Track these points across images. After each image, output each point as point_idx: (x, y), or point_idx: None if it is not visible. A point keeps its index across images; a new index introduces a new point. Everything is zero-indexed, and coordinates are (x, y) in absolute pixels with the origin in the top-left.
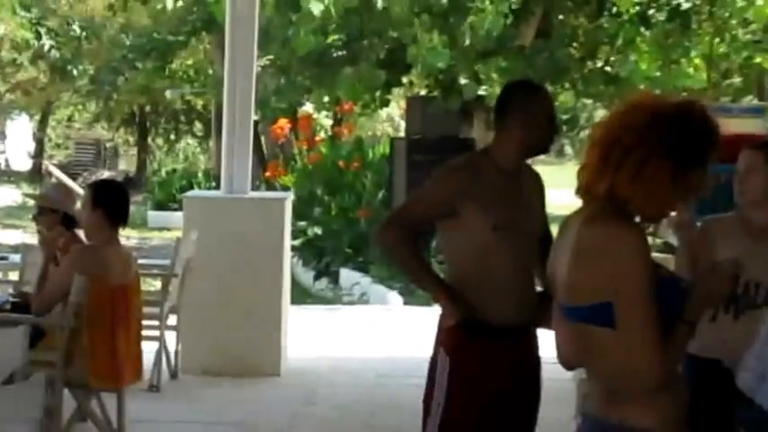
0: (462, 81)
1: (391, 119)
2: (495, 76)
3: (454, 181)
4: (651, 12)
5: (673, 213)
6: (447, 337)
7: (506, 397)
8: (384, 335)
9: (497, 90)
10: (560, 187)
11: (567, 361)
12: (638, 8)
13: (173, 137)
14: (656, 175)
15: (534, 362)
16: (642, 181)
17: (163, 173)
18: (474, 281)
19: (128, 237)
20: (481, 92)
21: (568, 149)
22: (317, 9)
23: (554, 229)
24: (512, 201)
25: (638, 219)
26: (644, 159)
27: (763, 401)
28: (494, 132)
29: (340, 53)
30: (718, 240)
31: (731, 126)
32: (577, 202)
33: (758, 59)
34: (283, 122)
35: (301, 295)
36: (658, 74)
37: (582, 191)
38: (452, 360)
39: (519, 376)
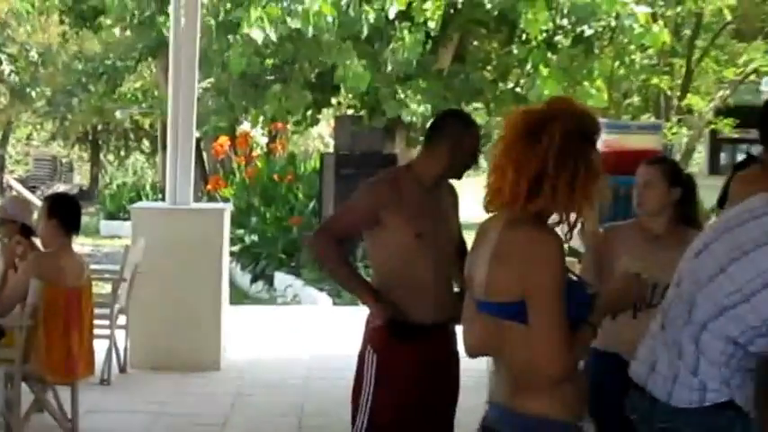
0: (384, 102)
1: (321, 136)
2: (414, 97)
3: (378, 193)
4: (557, 38)
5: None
6: (373, 336)
7: (429, 390)
8: (314, 333)
9: (417, 110)
10: (476, 196)
11: (471, 350)
12: (545, 35)
13: (123, 153)
14: (572, 185)
15: (453, 356)
16: (559, 195)
17: (114, 186)
18: (397, 284)
19: (81, 244)
20: (402, 112)
21: (483, 163)
22: (259, 37)
23: (471, 234)
24: (430, 212)
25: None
26: (556, 178)
27: (653, 390)
28: (421, 150)
29: (274, 76)
30: (619, 246)
31: (630, 142)
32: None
33: (655, 81)
34: (223, 140)
35: (239, 297)
36: (563, 94)
37: (495, 207)
38: (379, 357)
39: (440, 370)
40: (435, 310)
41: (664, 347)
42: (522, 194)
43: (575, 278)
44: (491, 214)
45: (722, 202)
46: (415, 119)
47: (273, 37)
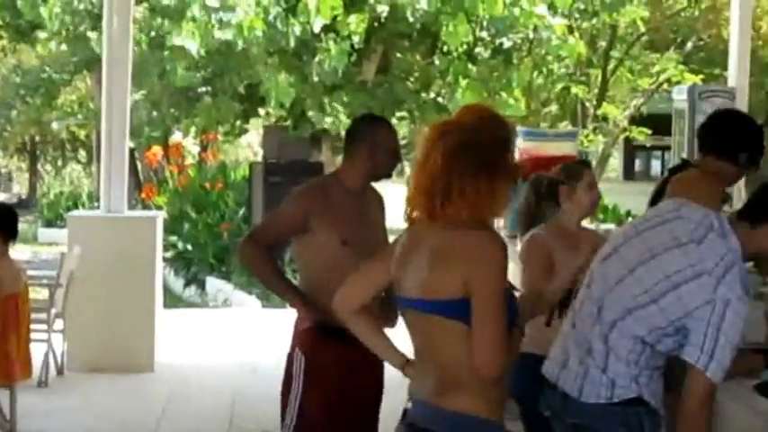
0: (311, 112)
1: (251, 145)
2: (340, 107)
3: (305, 201)
4: (477, 50)
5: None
6: (302, 338)
7: (355, 389)
8: (244, 335)
9: (343, 120)
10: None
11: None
12: (465, 47)
13: (60, 163)
14: (477, 194)
15: (377, 358)
16: (469, 205)
17: (51, 195)
18: (324, 288)
19: (20, 251)
20: (328, 122)
21: (408, 170)
22: (193, 48)
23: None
24: (358, 218)
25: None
26: (461, 189)
27: (564, 386)
28: (343, 157)
29: (204, 88)
30: (552, 251)
31: (547, 149)
32: None
33: (572, 90)
34: (156, 149)
35: (173, 301)
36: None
37: (416, 212)
38: (306, 358)
39: (365, 371)
40: None
41: (575, 346)
42: (433, 202)
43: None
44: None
45: (654, 203)
46: (340, 128)
47: (202, 51)
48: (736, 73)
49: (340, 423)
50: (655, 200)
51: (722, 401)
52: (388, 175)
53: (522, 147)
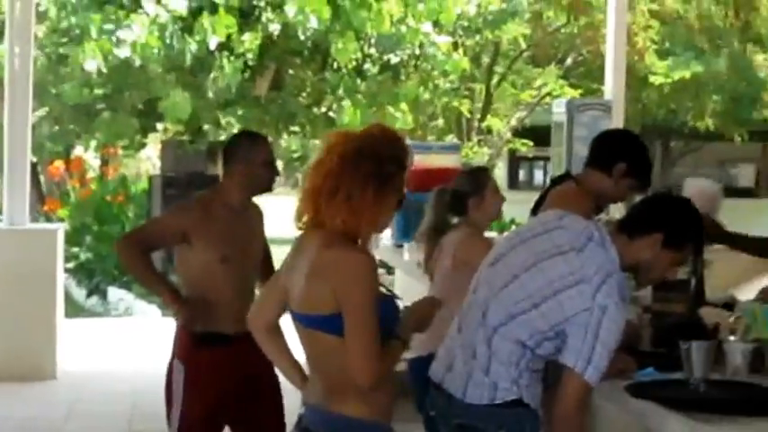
0: (207, 127)
1: (151, 159)
2: (234, 122)
3: (186, 214)
4: (366, 66)
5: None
6: (180, 346)
7: (240, 396)
8: (145, 342)
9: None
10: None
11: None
12: (354, 63)
13: None
14: (363, 202)
15: (263, 361)
16: (353, 211)
17: None
18: (202, 297)
19: None
20: (222, 136)
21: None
22: (92, 68)
23: (282, 248)
24: (239, 235)
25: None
26: (349, 193)
27: (449, 387)
28: (222, 175)
29: (104, 104)
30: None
31: (432, 161)
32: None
33: (456, 104)
34: (59, 163)
35: (75, 310)
36: (372, 119)
37: (306, 226)
38: (186, 366)
39: (250, 377)
40: (237, 321)
41: (460, 348)
42: (320, 201)
43: (386, 292)
44: (303, 230)
45: (535, 212)
46: None
47: (104, 68)
48: (613, 87)
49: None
50: (536, 208)
51: (596, 401)
52: (268, 189)
53: None
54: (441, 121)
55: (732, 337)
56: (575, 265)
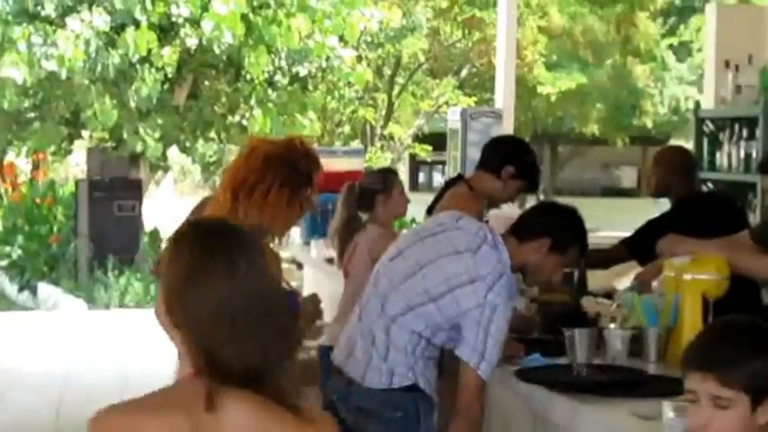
0: (129, 135)
1: (79, 164)
2: (154, 130)
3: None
4: (277, 77)
5: None
6: None
7: None
8: (72, 334)
9: (155, 142)
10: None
11: None
12: (266, 75)
13: None
14: (277, 201)
15: None
16: (267, 208)
17: None
18: None
19: None
20: (140, 144)
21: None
22: (18, 77)
23: None
24: None
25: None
26: (267, 191)
27: (350, 372)
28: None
29: (33, 114)
30: None
31: (337, 165)
32: None
33: (361, 112)
34: None
35: (7, 305)
36: (283, 126)
37: (227, 210)
38: None
39: None
40: None
41: (360, 336)
42: (238, 196)
43: (288, 289)
44: None
45: (431, 211)
46: (154, 150)
47: (29, 79)
48: (503, 96)
49: None
50: (432, 208)
51: (488, 386)
52: None
53: None
54: (347, 128)
55: (612, 325)
56: (469, 264)
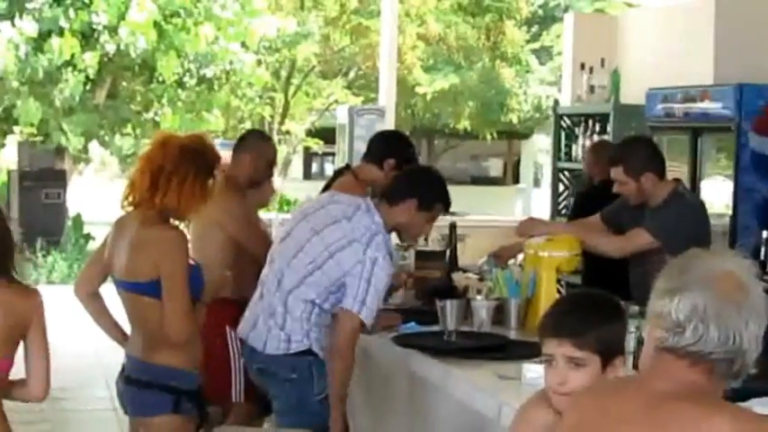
0: (54, 130)
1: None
2: (77, 126)
3: None
4: (185, 79)
5: None
6: (229, 317)
7: None
8: None
9: (77, 137)
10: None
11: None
12: (176, 76)
13: None
14: (191, 189)
15: None
16: (183, 195)
17: None
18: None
19: None
20: (64, 139)
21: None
22: None
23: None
24: None
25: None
26: (183, 179)
27: (252, 342)
28: None
29: None
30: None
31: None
32: None
33: (260, 110)
34: None
35: None
36: (191, 123)
37: (134, 204)
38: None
39: None
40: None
41: (261, 311)
42: (156, 187)
43: (193, 263)
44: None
45: None
46: (77, 143)
47: None
48: (386, 95)
49: None
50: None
51: (368, 351)
52: None
53: (223, 156)
54: (248, 124)
55: (478, 297)
56: (346, 229)
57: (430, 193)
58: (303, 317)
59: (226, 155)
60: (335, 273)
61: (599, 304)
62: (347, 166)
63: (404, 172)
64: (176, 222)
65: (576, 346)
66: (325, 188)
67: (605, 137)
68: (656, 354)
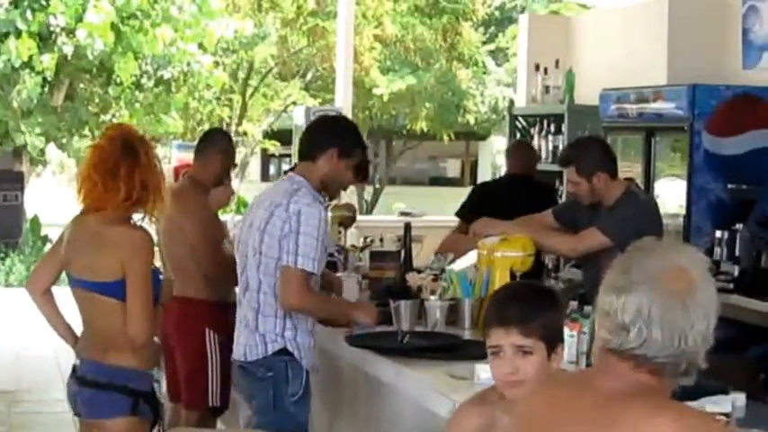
0: (11, 132)
1: None
2: (35, 128)
3: None
4: (143, 81)
5: None
6: (211, 318)
7: None
8: None
9: (35, 139)
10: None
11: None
12: (134, 78)
13: None
14: (139, 181)
15: None
16: (133, 188)
17: None
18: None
19: None
20: (21, 140)
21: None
22: None
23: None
24: None
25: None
26: (131, 171)
27: (236, 357)
28: None
29: None
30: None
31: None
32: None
33: (218, 111)
34: None
35: None
36: (149, 125)
37: (88, 201)
38: (218, 334)
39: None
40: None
41: (239, 324)
42: (104, 181)
43: (153, 266)
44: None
45: None
46: (35, 145)
47: None
48: (342, 96)
49: None
50: None
51: (325, 351)
52: None
53: (177, 156)
54: (206, 126)
55: (432, 297)
56: (267, 204)
57: (349, 139)
58: (275, 313)
59: (187, 157)
60: (273, 249)
61: (539, 293)
62: (296, 166)
63: (315, 124)
64: (140, 222)
65: (523, 333)
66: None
67: (560, 137)
68: (601, 354)
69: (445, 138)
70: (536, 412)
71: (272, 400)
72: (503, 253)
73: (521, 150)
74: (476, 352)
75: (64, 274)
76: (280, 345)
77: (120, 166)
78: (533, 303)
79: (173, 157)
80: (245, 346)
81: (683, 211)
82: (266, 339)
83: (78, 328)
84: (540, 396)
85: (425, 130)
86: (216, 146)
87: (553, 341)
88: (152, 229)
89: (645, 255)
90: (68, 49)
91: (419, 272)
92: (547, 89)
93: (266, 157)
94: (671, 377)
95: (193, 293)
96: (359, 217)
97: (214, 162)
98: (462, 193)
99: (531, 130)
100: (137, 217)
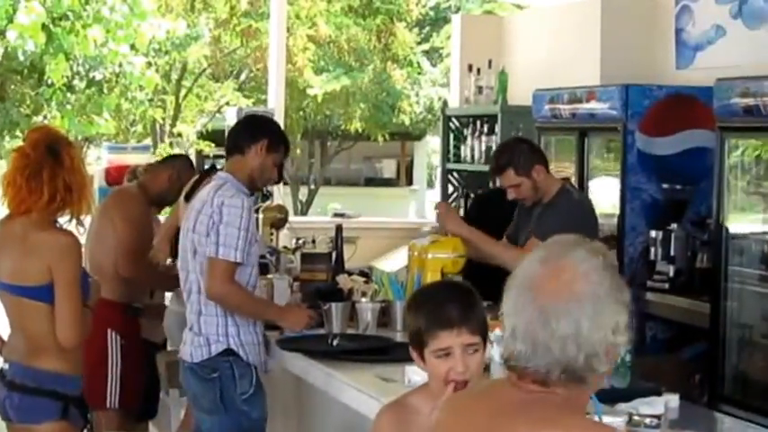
0: None
1: None
2: None
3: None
4: (75, 82)
5: None
6: (115, 320)
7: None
8: None
9: None
10: None
11: None
12: (65, 79)
13: None
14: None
15: None
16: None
17: None
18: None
19: None
20: None
21: None
22: None
23: None
24: None
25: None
26: (54, 174)
27: (183, 357)
28: None
29: None
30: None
31: (127, 159)
32: None
33: (151, 113)
34: None
35: None
36: (81, 126)
37: (13, 205)
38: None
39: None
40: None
41: (186, 326)
42: (29, 186)
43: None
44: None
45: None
46: None
47: None
48: (275, 97)
49: None
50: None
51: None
52: None
53: (108, 158)
54: (139, 128)
55: (364, 299)
56: (197, 206)
57: (277, 134)
58: (217, 312)
59: (118, 158)
60: (203, 246)
61: (466, 291)
62: (213, 167)
63: (244, 119)
64: (66, 225)
65: (470, 332)
66: (192, 189)
67: (493, 138)
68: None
69: (380, 138)
70: (444, 421)
71: (221, 400)
72: (434, 254)
73: None
74: (407, 354)
75: None
76: (223, 345)
77: (44, 169)
78: (468, 301)
79: (104, 158)
80: (191, 347)
81: (617, 211)
82: (209, 341)
83: (5, 332)
84: (452, 404)
85: (360, 130)
86: (172, 163)
87: (486, 336)
88: (79, 231)
89: (529, 260)
90: None
91: (350, 274)
92: (480, 89)
93: (201, 158)
94: (561, 386)
95: (103, 294)
96: (292, 218)
97: (162, 177)
98: (398, 194)
99: (465, 131)
100: (64, 219)
